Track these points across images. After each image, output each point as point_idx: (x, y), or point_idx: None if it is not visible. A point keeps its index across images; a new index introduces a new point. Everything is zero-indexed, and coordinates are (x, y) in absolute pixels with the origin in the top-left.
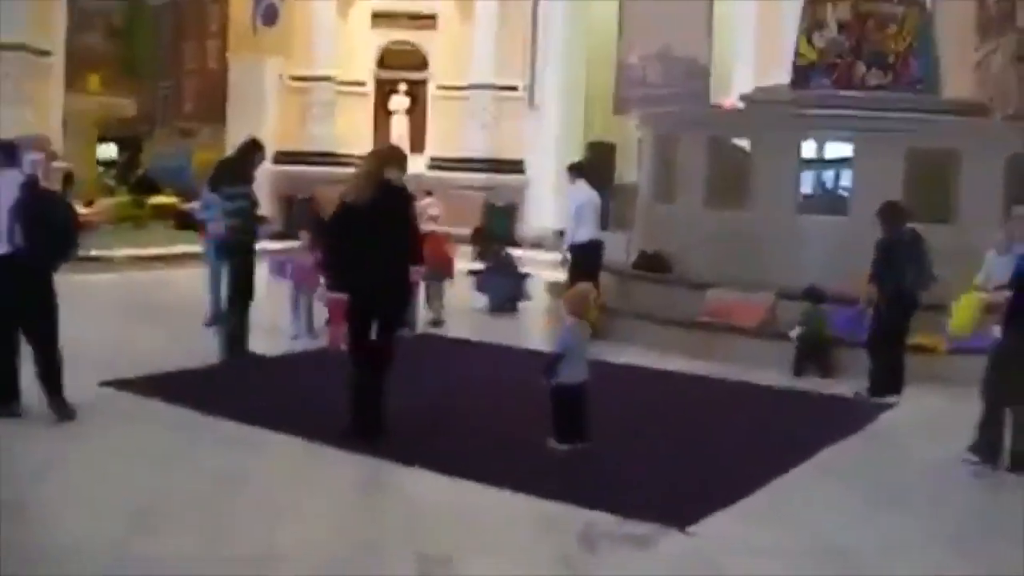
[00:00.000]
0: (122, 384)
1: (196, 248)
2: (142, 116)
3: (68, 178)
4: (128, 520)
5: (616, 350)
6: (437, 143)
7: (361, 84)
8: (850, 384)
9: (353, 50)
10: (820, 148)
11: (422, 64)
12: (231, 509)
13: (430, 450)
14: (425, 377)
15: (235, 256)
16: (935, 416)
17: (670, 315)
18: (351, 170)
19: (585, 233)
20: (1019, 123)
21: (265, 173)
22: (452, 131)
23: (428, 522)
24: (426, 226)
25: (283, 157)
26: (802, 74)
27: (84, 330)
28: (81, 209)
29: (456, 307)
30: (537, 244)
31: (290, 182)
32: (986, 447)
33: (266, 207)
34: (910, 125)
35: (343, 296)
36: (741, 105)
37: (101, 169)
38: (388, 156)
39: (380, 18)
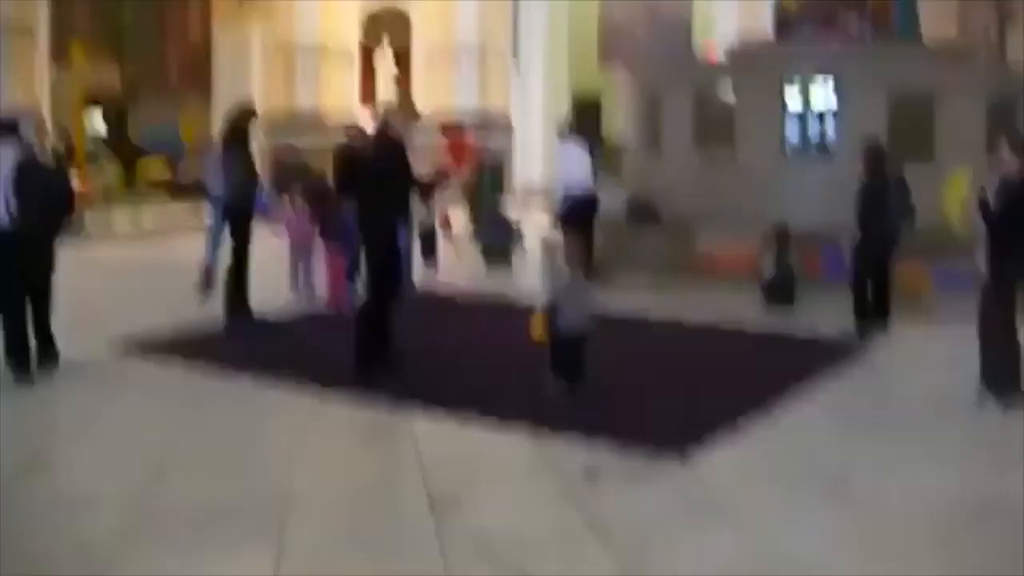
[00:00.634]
0: (129, 346)
1: (187, 216)
2: (128, 86)
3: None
4: (145, 471)
5: (609, 297)
6: (424, 106)
7: (347, 50)
8: (823, 318)
9: (338, 17)
10: (803, 96)
11: (407, 28)
12: (244, 457)
13: (433, 397)
14: (424, 327)
15: (235, 220)
16: (922, 352)
17: (661, 261)
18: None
19: (579, 187)
20: (1000, 64)
21: (254, 141)
22: (439, 93)
23: (435, 464)
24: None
25: (270, 125)
26: (785, 24)
27: (86, 297)
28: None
29: (451, 259)
30: (527, 197)
31: (278, 149)
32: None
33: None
34: (891, 67)
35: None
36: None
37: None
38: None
39: None
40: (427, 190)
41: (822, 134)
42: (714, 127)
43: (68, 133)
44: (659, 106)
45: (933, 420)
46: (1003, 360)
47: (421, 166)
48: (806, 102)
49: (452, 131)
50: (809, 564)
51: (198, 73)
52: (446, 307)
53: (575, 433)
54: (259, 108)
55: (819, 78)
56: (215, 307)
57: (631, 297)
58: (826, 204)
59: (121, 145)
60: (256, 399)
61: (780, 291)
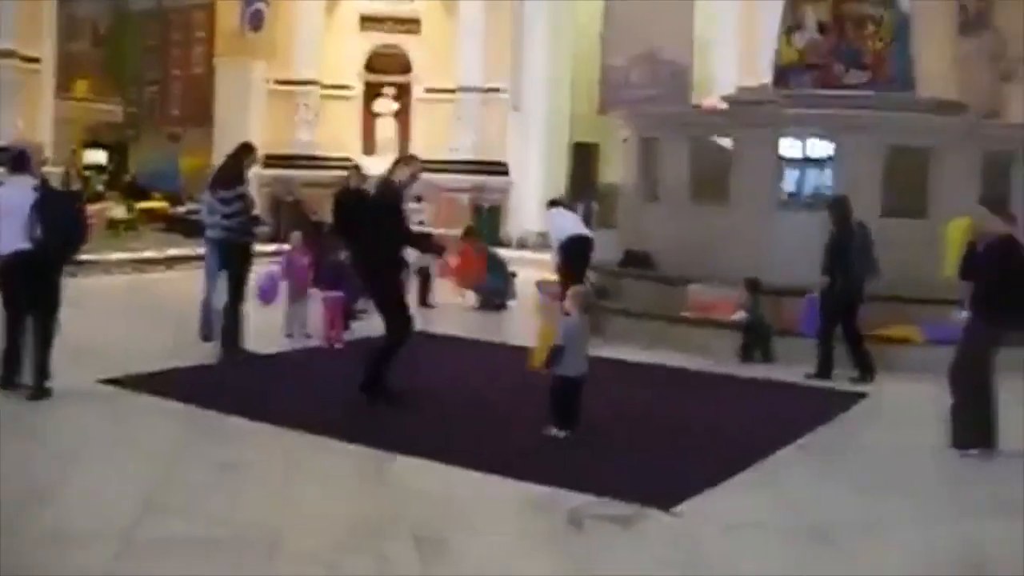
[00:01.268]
0: (122, 382)
1: (187, 251)
2: (129, 121)
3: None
4: (136, 507)
5: (603, 345)
6: (423, 145)
7: (347, 88)
8: (793, 370)
9: (339, 54)
10: (800, 147)
11: (407, 68)
12: (233, 495)
13: (424, 439)
14: (417, 371)
15: (232, 257)
16: (912, 403)
17: (655, 311)
18: (338, 173)
19: (573, 230)
20: (996, 121)
21: (253, 176)
22: (438, 134)
23: (423, 507)
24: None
25: (270, 161)
26: (782, 74)
27: (83, 330)
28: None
29: (445, 304)
30: (523, 244)
31: (277, 185)
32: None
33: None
34: (888, 123)
35: (337, 294)
36: (723, 105)
37: (89, 174)
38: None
39: (366, 22)
40: (422, 244)
41: (818, 184)
42: (710, 176)
43: (73, 167)
44: (656, 154)
45: (917, 473)
46: (974, 417)
47: (419, 216)
48: (803, 150)
49: (471, 241)
50: None
51: (199, 108)
52: (440, 348)
53: (563, 478)
54: (259, 144)
55: (814, 132)
56: (210, 342)
57: (623, 344)
58: (818, 256)
59: (121, 180)
60: (248, 435)
61: (753, 343)
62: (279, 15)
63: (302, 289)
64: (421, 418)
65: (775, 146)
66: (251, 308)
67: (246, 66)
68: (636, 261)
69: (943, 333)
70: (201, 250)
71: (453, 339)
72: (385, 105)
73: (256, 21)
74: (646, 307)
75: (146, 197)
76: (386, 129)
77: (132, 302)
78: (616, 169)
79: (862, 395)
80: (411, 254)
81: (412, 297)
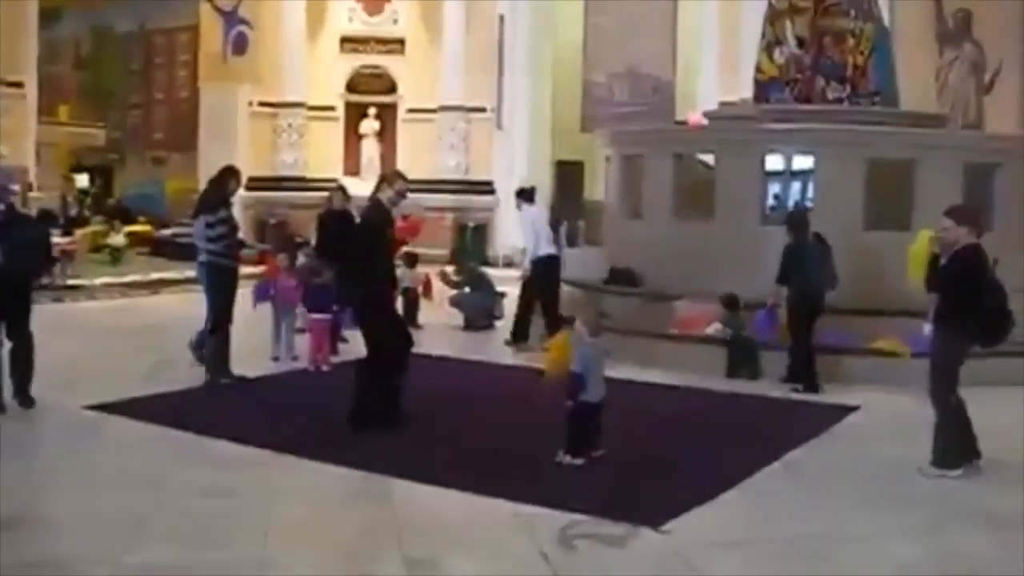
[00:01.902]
0: (107, 408)
1: (173, 275)
2: (113, 145)
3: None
4: (123, 533)
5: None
6: (407, 165)
7: (331, 109)
8: (781, 386)
9: (322, 75)
10: (782, 161)
11: (391, 88)
12: (223, 520)
13: (412, 461)
14: (405, 391)
15: (216, 280)
16: (898, 418)
17: (640, 327)
18: (322, 194)
19: (543, 249)
20: (977, 131)
21: (237, 199)
22: (422, 153)
23: (412, 528)
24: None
25: (254, 183)
26: (763, 89)
27: (68, 356)
28: (60, 239)
29: (433, 324)
30: (509, 262)
31: (261, 208)
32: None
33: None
34: (869, 137)
35: (324, 317)
36: (705, 121)
37: (70, 198)
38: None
39: (348, 43)
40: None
41: (802, 195)
42: (693, 192)
43: (71, 192)
44: (640, 171)
45: (904, 487)
46: (952, 430)
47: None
48: (786, 164)
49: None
50: None
51: (183, 132)
52: (429, 369)
53: (552, 498)
54: (243, 166)
55: (796, 147)
56: (197, 366)
57: (609, 362)
58: None
59: (106, 204)
60: (235, 460)
61: (739, 359)
62: (262, 38)
63: (288, 312)
64: (410, 439)
65: (758, 161)
66: (237, 331)
67: (230, 89)
68: (621, 278)
69: (926, 345)
70: (189, 273)
71: (442, 359)
72: (369, 126)
73: (239, 44)
74: (631, 324)
75: (132, 221)
76: (370, 149)
77: (118, 327)
78: (602, 187)
79: (851, 409)
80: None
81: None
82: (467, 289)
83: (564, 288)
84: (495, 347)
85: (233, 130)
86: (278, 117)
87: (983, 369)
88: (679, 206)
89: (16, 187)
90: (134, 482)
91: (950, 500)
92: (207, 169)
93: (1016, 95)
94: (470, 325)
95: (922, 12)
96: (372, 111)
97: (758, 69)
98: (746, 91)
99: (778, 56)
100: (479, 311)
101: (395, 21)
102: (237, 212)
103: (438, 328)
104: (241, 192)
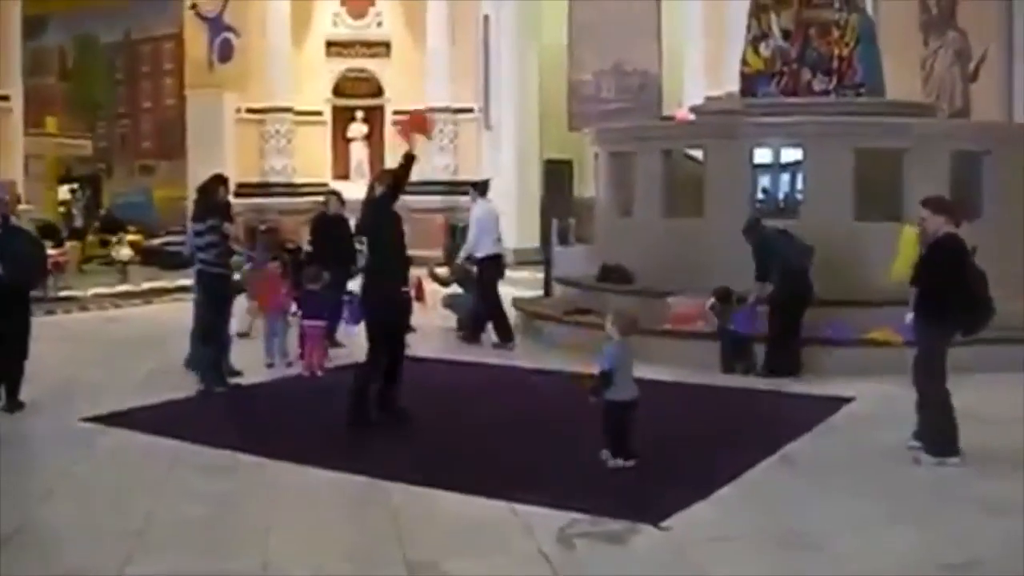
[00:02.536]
0: (104, 419)
1: (165, 284)
2: (101, 155)
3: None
4: (126, 543)
5: (582, 360)
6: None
7: (318, 114)
8: (777, 379)
9: (308, 80)
10: (770, 155)
11: (377, 91)
12: (223, 528)
13: (410, 464)
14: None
15: (209, 288)
16: (893, 408)
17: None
18: (311, 199)
19: (486, 247)
20: (963, 120)
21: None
22: None
23: (413, 531)
24: None
25: (243, 189)
26: (750, 82)
27: (62, 368)
28: (51, 251)
29: (425, 327)
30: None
31: (251, 214)
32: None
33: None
34: (856, 128)
35: (320, 323)
36: (692, 116)
37: (62, 210)
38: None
39: (334, 47)
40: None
41: (790, 188)
42: (682, 187)
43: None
44: (628, 167)
45: (901, 476)
46: (938, 419)
47: None
48: (774, 157)
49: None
50: None
51: (171, 140)
52: (421, 372)
53: (551, 498)
54: (232, 173)
55: (783, 140)
56: (190, 374)
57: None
58: None
59: (95, 214)
60: (233, 467)
61: (733, 353)
62: (247, 44)
63: (281, 317)
64: (407, 443)
65: (746, 155)
66: (231, 339)
67: (217, 96)
68: (612, 275)
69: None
70: (181, 282)
71: (436, 361)
72: (357, 129)
73: (225, 51)
74: None
75: (122, 230)
76: (359, 153)
77: (111, 337)
78: (591, 184)
79: (847, 400)
80: None
81: None
82: (457, 288)
83: (556, 287)
84: (488, 348)
85: (220, 137)
86: (265, 123)
87: (973, 356)
88: (668, 202)
89: (6, 196)
90: (133, 493)
91: (946, 488)
92: (195, 177)
93: (1001, 82)
94: (464, 326)
95: (906, 2)
96: (359, 115)
97: (744, 63)
98: (732, 85)
99: (764, 49)
100: (472, 312)
101: (379, 24)
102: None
103: (431, 330)
104: (230, 199)
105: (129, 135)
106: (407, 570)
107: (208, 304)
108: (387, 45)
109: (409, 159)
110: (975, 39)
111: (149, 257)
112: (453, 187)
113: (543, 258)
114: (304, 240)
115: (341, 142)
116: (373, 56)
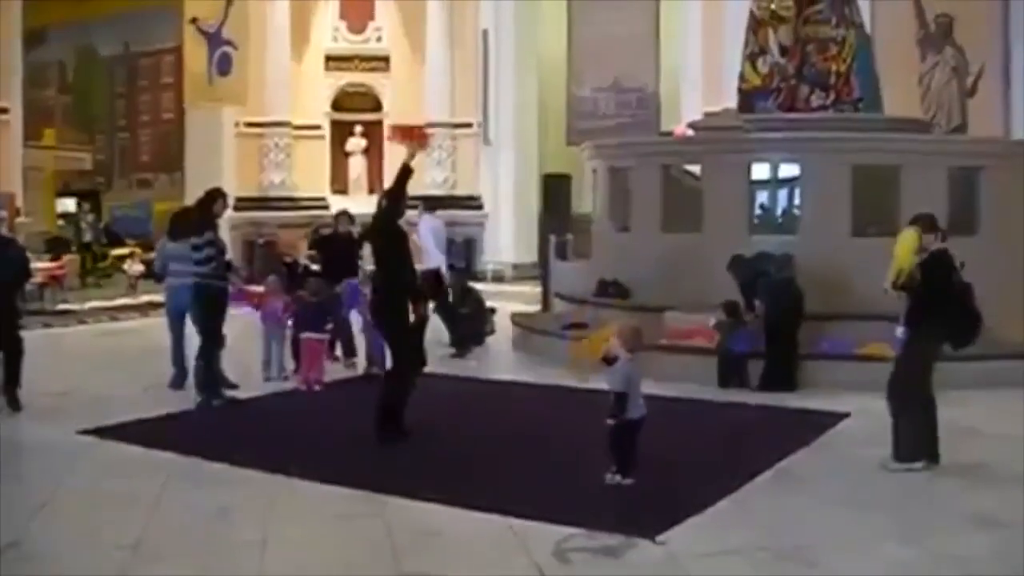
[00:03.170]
0: (100, 432)
1: (162, 297)
2: (100, 168)
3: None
4: (120, 556)
5: (580, 375)
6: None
7: (316, 128)
8: (774, 395)
9: (307, 94)
10: (768, 170)
11: (376, 106)
12: (220, 540)
13: (407, 478)
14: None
15: (205, 303)
16: (888, 422)
17: None
18: (309, 213)
19: (432, 261)
20: (960, 135)
21: (225, 219)
22: None
23: (408, 545)
24: None
25: (242, 203)
26: (748, 99)
27: (60, 381)
28: (48, 264)
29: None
30: (498, 277)
31: (250, 227)
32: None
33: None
34: (854, 144)
35: (320, 336)
36: (691, 132)
37: (61, 223)
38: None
39: (333, 62)
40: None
41: (788, 204)
42: (680, 202)
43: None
44: (625, 183)
45: (895, 491)
46: (916, 431)
47: None
48: (772, 172)
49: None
50: None
51: (169, 153)
52: (418, 386)
53: (548, 512)
54: (230, 186)
55: (781, 155)
56: (187, 388)
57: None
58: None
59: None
60: (230, 481)
61: (730, 368)
62: (247, 58)
63: (279, 331)
64: (405, 457)
65: (744, 171)
66: (228, 352)
67: (215, 110)
68: (610, 290)
69: None
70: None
71: (432, 376)
72: (355, 144)
73: (224, 65)
74: None
75: (120, 243)
76: (357, 167)
77: (109, 350)
78: (589, 200)
79: (843, 415)
80: None
81: None
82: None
83: (555, 301)
84: (485, 363)
85: (219, 151)
86: (264, 137)
87: (972, 373)
88: (666, 217)
89: (4, 213)
90: (130, 505)
91: (942, 503)
92: (194, 190)
93: (998, 98)
94: (458, 340)
95: (903, 18)
96: (358, 129)
97: (742, 79)
98: (730, 101)
99: (761, 65)
100: (469, 327)
101: (379, 39)
102: (225, 232)
103: (427, 345)
104: (229, 213)
105: (128, 148)
106: None
107: (207, 316)
108: (386, 60)
109: (405, 171)
110: (972, 55)
111: (147, 271)
112: (451, 202)
113: (541, 273)
114: (302, 254)
115: (340, 156)
116: (372, 71)
